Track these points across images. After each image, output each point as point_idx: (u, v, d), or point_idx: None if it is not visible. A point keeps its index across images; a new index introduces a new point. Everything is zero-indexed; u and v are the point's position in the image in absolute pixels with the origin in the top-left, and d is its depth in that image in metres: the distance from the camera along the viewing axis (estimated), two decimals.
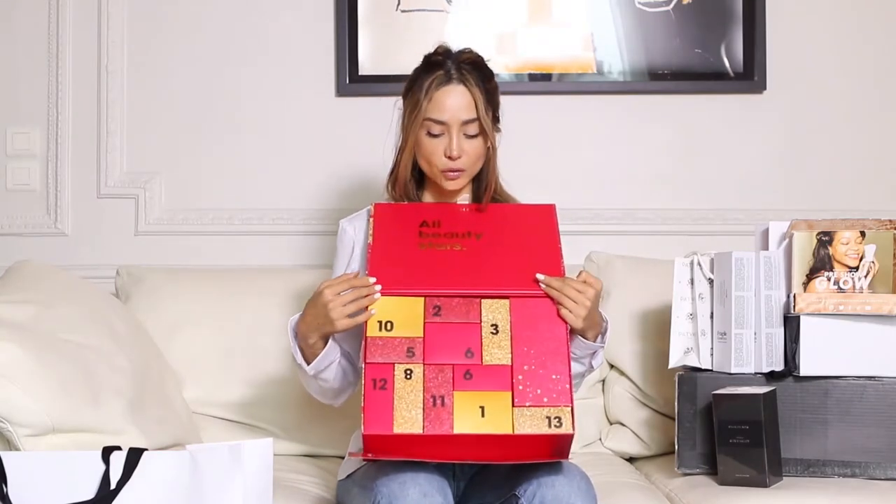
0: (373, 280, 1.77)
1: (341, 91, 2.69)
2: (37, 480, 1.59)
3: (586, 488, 1.68)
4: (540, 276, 1.79)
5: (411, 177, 2.00)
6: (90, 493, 1.59)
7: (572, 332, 1.82)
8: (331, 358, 1.87)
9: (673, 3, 2.68)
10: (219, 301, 2.39)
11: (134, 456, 1.61)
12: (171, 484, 1.60)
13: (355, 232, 2.03)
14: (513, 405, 1.70)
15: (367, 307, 1.76)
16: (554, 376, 1.72)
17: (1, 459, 1.59)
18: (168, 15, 2.71)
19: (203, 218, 2.70)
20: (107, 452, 1.61)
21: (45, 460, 1.62)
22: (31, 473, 1.60)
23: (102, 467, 1.60)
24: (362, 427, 1.66)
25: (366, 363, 1.73)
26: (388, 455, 1.67)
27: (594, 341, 1.85)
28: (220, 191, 2.71)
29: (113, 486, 1.59)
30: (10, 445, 1.72)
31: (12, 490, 1.58)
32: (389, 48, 2.67)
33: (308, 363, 1.85)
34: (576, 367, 1.87)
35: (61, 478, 1.60)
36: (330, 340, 1.85)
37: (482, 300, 1.79)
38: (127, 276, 2.47)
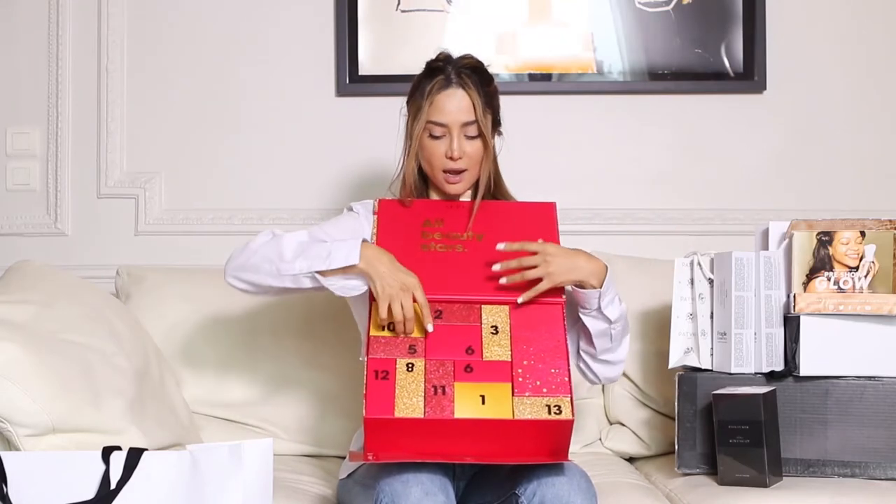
0: (430, 328, 1.77)
1: (341, 91, 2.69)
2: (37, 480, 1.59)
3: (587, 487, 1.69)
4: (496, 267, 1.82)
5: (416, 183, 2.01)
6: (90, 493, 1.59)
7: (576, 287, 1.86)
8: (353, 290, 1.81)
9: (673, 3, 2.68)
10: (219, 301, 2.39)
11: (134, 456, 1.61)
12: (171, 484, 1.60)
13: (366, 215, 2.02)
14: (513, 394, 1.72)
15: (402, 325, 1.76)
16: (553, 370, 1.75)
17: (1, 459, 1.60)
18: (168, 15, 2.71)
19: (203, 218, 2.70)
20: (107, 452, 1.62)
21: (45, 460, 1.62)
22: (31, 473, 1.60)
23: (102, 467, 1.61)
24: (364, 411, 1.68)
25: (368, 358, 1.75)
26: (389, 449, 1.68)
27: (600, 286, 1.85)
28: (220, 191, 2.71)
29: (113, 486, 1.59)
30: (10, 445, 1.72)
31: (12, 490, 1.58)
32: (389, 48, 2.67)
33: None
34: (596, 325, 1.90)
35: (61, 478, 1.60)
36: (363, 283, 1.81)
37: (482, 306, 1.81)
38: (127, 276, 2.47)
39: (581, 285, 1.85)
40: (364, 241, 1.81)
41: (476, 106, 1.94)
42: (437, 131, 1.94)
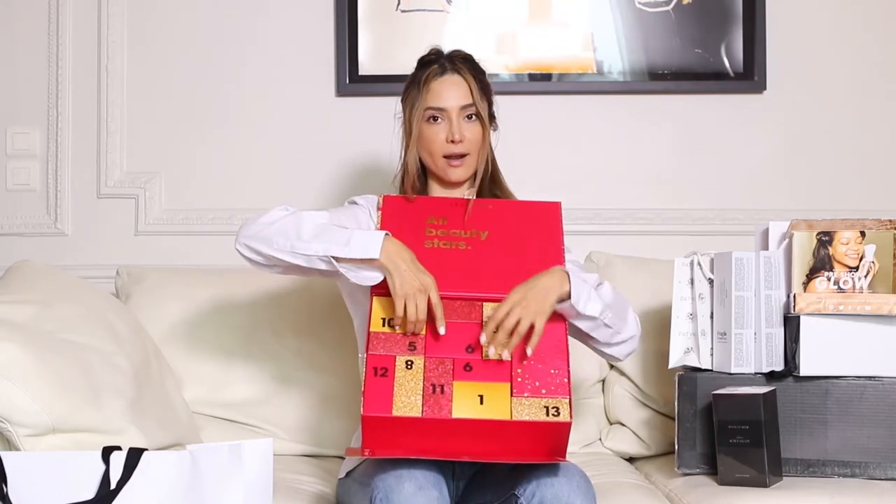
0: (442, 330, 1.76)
1: (341, 91, 2.69)
2: (37, 480, 1.59)
3: (586, 487, 1.69)
4: (483, 341, 1.75)
5: (418, 174, 2.01)
6: (90, 493, 1.59)
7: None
8: (367, 280, 1.79)
9: (673, 3, 2.68)
10: (219, 301, 2.39)
11: (134, 456, 1.61)
12: (171, 484, 1.60)
13: (369, 208, 2.02)
14: (511, 395, 1.72)
15: (413, 325, 1.75)
16: (552, 371, 1.75)
17: (1, 459, 1.60)
18: (168, 15, 2.71)
19: (203, 218, 2.70)
20: (107, 452, 1.62)
21: (45, 460, 1.62)
22: (31, 473, 1.60)
23: (102, 467, 1.61)
24: (362, 409, 1.68)
25: (368, 354, 1.75)
26: (387, 446, 1.68)
27: (570, 297, 1.80)
28: (220, 191, 2.71)
29: (113, 486, 1.59)
30: (10, 445, 1.72)
31: (12, 490, 1.58)
32: (389, 48, 2.67)
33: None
34: (585, 324, 1.87)
35: (61, 478, 1.60)
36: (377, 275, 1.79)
37: (483, 303, 1.81)
38: (127, 276, 2.47)
39: (561, 299, 1.81)
40: (387, 234, 1.80)
41: (473, 89, 1.95)
42: (436, 116, 1.95)
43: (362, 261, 1.78)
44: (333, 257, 1.78)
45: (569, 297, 1.81)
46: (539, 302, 1.77)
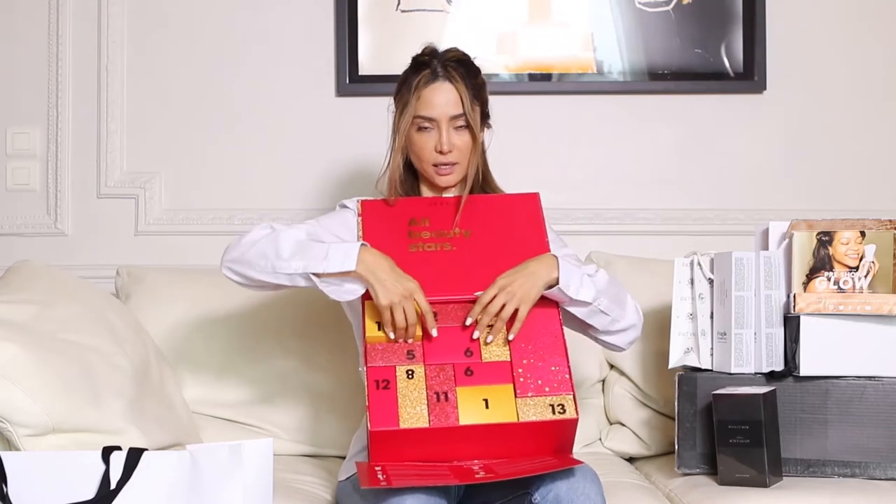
0: (434, 332, 1.76)
1: (341, 91, 2.69)
2: (37, 480, 1.59)
3: (598, 482, 1.71)
4: (468, 322, 1.78)
5: (405, 175, 2.01)
6: (90, 493, 1.59)
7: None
8: (348, 294, 1.79)
9: (673, 3, 2.68)
10: (219, 301, 2.39)
11: (134, 456, 1.61)
12: (171, 484, 1.60)
13: (355, 211, 1.99)
14: (515, 396, 1.71)
15: (404, 331, 1.75)
16: (553, 367, 1.75)
17: (1, 459, 1.60)
18: (168, 15, 2.71)
19: (203, 218, 2.70)
20: (107, 452, 1.62)
21: (45, 460, 1.62)
22: (31, 473, 1.60)
23: (102, 467, 1.61)
24: (368, 424, 1.67)
25: (367, 367, 1.74)
26: (395, 459, 1.68)
27: (559, 283, 1.81)
28: (220, 191, 2.71)
29: (113, 486, 1.59)
30: (10, 445, 1.72)
31: (12, 490, 1.58)
32: (389, 48, 2.67)
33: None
34: (580, 310, 1.86)
35: (61, 478, 1.60)
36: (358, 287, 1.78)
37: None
38: (127, 276, 2.47)
39: (550, 286, 1.81)
40: (363, 244, 1.79)
41: (464, 98, 1.93)
42: (426, 125, 1.94)
43: (342, 274, 1.77)
44: (314, 273, 1.77)
45: (557, 282, 1.81)
46: (525, 288, 1.78)
